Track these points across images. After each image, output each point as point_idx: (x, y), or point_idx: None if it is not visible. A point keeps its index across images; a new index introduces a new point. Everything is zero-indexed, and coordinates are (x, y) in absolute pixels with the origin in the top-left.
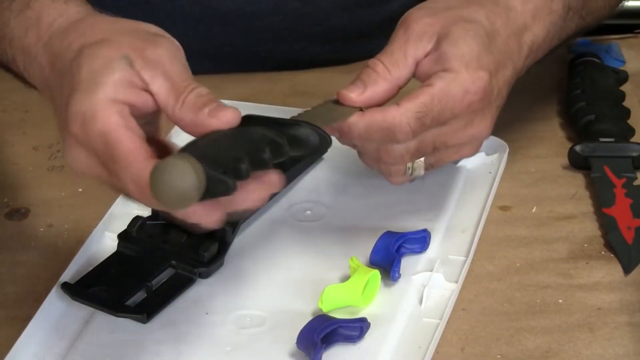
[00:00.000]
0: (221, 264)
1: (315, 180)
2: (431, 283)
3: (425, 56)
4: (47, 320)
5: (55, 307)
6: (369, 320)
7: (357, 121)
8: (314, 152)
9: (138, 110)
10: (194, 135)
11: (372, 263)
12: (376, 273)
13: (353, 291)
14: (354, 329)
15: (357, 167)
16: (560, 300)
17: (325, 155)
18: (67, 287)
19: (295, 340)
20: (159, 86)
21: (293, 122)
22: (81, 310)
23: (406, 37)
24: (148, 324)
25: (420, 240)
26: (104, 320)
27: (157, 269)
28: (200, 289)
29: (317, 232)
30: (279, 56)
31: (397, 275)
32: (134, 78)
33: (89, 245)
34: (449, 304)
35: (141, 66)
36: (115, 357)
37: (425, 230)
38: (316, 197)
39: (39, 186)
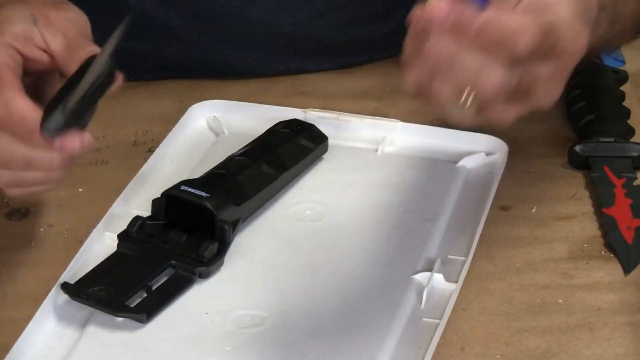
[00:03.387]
0: (221, 264)
1: (315, 180)
2: (431, 283)
3: None
4: (47, 320)
5: (55, 307)
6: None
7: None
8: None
9: (30, 64)
10: None
11: None
12: None
13: None
14: None
15: (357, 167)
16: (560, 300)
17: (325, 155)
18: (66, 287)
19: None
20: (57, 45)
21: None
22: (81, 310)
23: None
24: (148, 324)
25: None
26: (104, 320)
27: (157, 269)
28: (200, 289)
29: (317, 232)
30: (275, 75)
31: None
32: (35, 35)
33: (89, 245)
34: (449, 304)
35: (44, 26)
36: (115, 357)
37: None
38: (316, 197)
39: None
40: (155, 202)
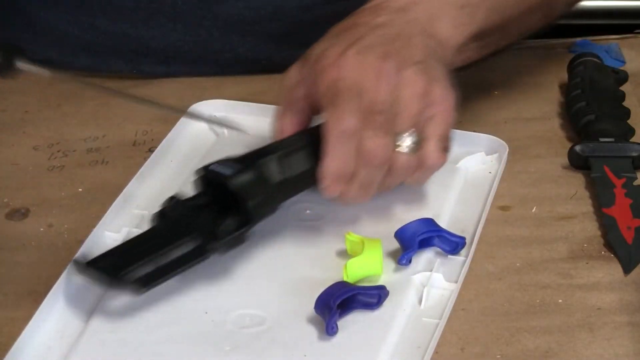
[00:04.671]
0: (241, 242)
1: None
2: (431, 283)
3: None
4: (47, 319)
5: (55, 306)
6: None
7: (325, 161)
8: None
9: None
10: None
11: (395, 237)
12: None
13: (372, 261)
14: (372, 296)
15: None
16: (560, 300)
17: None
18: (77, 264)
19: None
20: None
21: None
22: (81, 310)
23: (285, 85)
24: (148, 324)
25: (453, 245)
26: (104, 320)
27: (171, 244)
28: (200, 289)
29: (317, 232)
30: (278, 62)
31: (404, 261)
32: None
33: (89, 245)
34: (449, 304)
35: None
36: (115, 357)
37: (463, 238)
38: (316, 197)
39: (39, 186)
40: (195, 181)
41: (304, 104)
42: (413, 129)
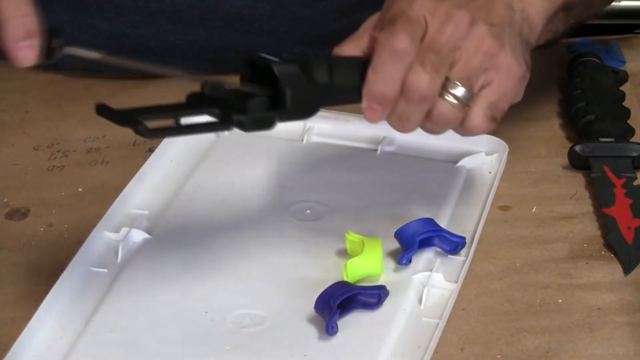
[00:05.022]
0: (268, 125)
1: (315, 180)
2: (431, 283)
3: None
4: (47, 319)
5: (55, 306)
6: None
7: (369, 76)
8: None
9: None
10: None
11: (395, 237)
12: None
13: (372, 261)
14: (372, 296)
15: (357, 167)
16: (560, 300)
17: (325, 155)
18: (97, 106)
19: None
20: None
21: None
22: (81, 310)
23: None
24: (148, 324)
25: (453, 245)
26: (104, 320)
27: (196, 109)
28: (200, 289)
29: (317, 232)
30: None
31: (404, 261)
32: None
33: (89, 245)
34: (449, 304)
35: None
36: (115, 357)
37: (463, 238)
38: (316, 197)
39: (39, 186)
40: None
41: (368, 37)
42: (468, 84)
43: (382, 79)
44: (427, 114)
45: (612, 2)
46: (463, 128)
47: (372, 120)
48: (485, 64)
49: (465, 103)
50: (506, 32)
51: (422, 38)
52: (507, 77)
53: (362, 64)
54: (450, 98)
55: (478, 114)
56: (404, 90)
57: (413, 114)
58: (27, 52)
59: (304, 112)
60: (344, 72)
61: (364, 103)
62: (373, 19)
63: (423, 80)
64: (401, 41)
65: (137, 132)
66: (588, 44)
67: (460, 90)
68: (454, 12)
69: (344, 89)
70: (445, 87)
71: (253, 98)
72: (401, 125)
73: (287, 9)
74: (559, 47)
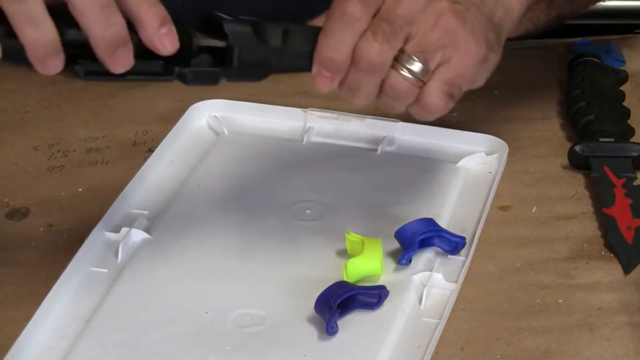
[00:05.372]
0: (212, 81)
1: (315, 180)
2: (431, 283)
3: None
4: (47, 320)
5: (55, 307)
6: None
7: (320, 40)
8: None
9: None
10: None
11: (395, 237)
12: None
13: (372, 261)
14: (372, 296)
15: (357, 166)
16: (560, 300)
17: (325, 155)
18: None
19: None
20: None
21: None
22: (81, 310)
23: None
24: (148, 324)
25: (453, 245)
26: (104, 320)
27: (140, 60)
28: (200, 289)
29: (317, 232)
30: None
31: (404, 261)
32: None
33: (89, 245)
34: (449, 304)
35: None
36: (115, 357)
37: (463, 238)
38: (316, 197)
39: (39, 186)
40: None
41: None
42: (423, 58)
43: (331, 44)
44: (380, 87)
45: (597, 1)
46: (419, 105)
47: (322, 88)
48: (443, 40)
49: (420, 78)
50: (471, 11)
51: (379, 9)
52: (465, 54)
53: (317, 31)
54: (404, 72)
55: (434, 90)
56: (354, 57)
57: (364, 84)
58: (168, 38)
59: (252, 73)
60: (297, 37)
61: (314, 69)
62: None
63: (373, 48)
64: (353, 5)
65: (74, 72)
66: (588, 44)
67: (415, 65)
68: None
69: (296, 54)
70: (400, 61)
71: (199, 54)
72: (352, 95)
73: (287, 11)
74: (559, 47)
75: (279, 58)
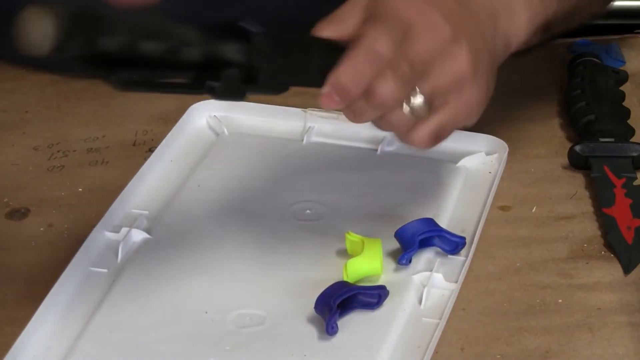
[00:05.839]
0: (241, 95)
1: (315, 180)
2: (431, 283)
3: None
4: (47, 320)
5: (55, 307)
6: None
7: (341, 66)
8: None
9: None
10: None
11: (395, 237)
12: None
13: (372, 261)
14: (372, 296)
15: (357, 167)
16: (560, 300)
17: (325, 155)
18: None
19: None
20: None
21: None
22: (81, 310)
23: (348, 3)
24: (148, 324)
25: (453, 245)
26: (104, 320)
27: (174, 69)
28: (200, 289)
29: (317, 232)
30: None
31: (404, 261)
32: None
33: (89, 245)
34: (449, 304)
35: None
36: (115, 357)
37: (463, 238)
38: (316, 197)
39: (39, 186)
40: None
41: (352, 24)
42: (429, 99)
43: (352, 75)
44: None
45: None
46: (406, 136)
47: (325, 107)
48: (452, 86)
49: (419, 114)
50: (484, 58)
51: (403, 39)
52: (466, 106)
53: (339, 50)
54: (406, 105)
55: (425, 131)
56: (368, 91)
57: (369, 113)
58: None
59: (274, 87)
60: (319, 54)
61: (325, 89)
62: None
63: (390, 89)
64: (383, 45)
65: (109, 82)
66: (588, 44)
67: (418, 102)
68: (439, 25)
69: (317, 71)
70: (406, 94)
71: (229, 67)
72: (353, 118)
73: (287, 14)
74: (559, 47)
75: (301, 74)
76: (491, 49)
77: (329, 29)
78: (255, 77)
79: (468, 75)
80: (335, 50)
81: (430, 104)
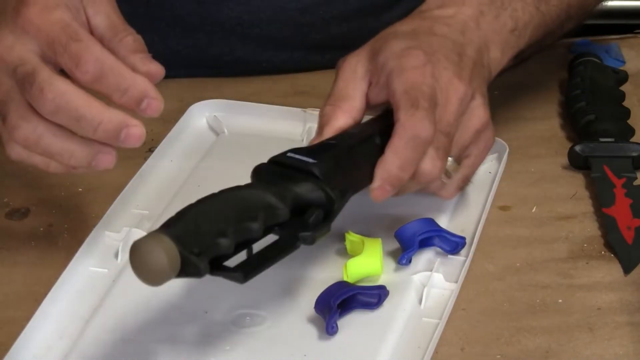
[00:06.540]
0: (327, 231)
1: None
2: (431, 283)
3: (369, 84)
4: (47, 320)
5: (55, 307)
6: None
7: (388, 158)
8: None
9: None
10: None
11: (395, 237)
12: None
13: (372, 261)
14: (372, 296)
15: None
16: (560, 300)
17: None
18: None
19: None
20: (99, 22)
21: (302, 177)
22: (81, 310)
23: (344, 77)
24: (148, 324)
25: (453, 244)
26: (104, 320)
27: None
28: (200, 289)
29: None
30: (278, 65)
31: (404, 261)
32: (80, 11)
33: (89, 245)
34: (449, 304)
35: (87, 3)
36: (115, 357)
37: (463, 238)
38: None
39: (39, 186)
40: (258, 170)
41: (364, 99)
42: (458, 159)
43: (401, 164)
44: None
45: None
46: (434, 192)
47: (379, 200)
48: (473, 139)
49: (449, 173)
50: (486, 97)
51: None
52: (485, 150)
53: (377, 147)
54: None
55: (454, 186)
56: (416, 173)
57: (414, 189)
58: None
59: (344, 203)
60: (364, 153)
61: (376, 182)
62: (354, 68)
63: (437, 167)
64: (426, 130)
65: (232, 279)
66: (588, 44)
67: (449, 164)
68: (455, 85)
69: (365, 174)
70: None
71: (311, 212)
72: (394, 196)
73: (287, 14)
74: (559, 47)
75: (356, 179)
76: (486, 82)
77: (340, 118)
78: (333, 214)
79: (485, 125)
80: (374, 150)
81: (458, 164)
